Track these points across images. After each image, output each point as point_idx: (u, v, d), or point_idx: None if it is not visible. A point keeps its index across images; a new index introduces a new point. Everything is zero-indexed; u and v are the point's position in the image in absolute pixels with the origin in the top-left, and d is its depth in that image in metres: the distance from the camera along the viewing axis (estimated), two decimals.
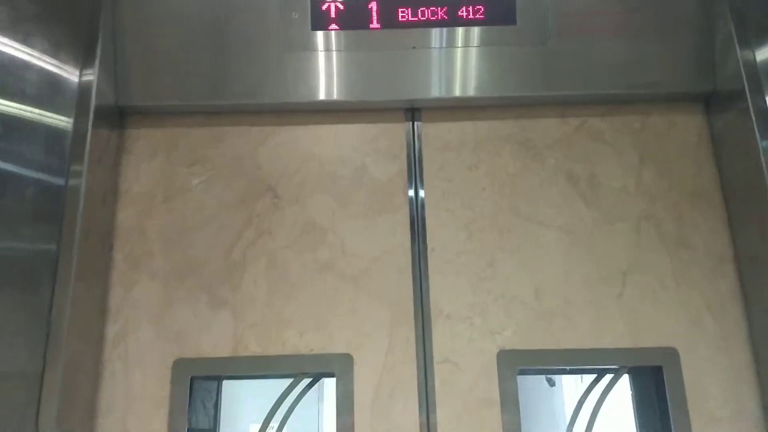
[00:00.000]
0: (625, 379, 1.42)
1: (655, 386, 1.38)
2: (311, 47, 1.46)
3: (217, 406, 1.42)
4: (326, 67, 1.47)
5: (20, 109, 1.26)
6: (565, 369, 1.47)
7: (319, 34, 1.46)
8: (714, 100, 1.48)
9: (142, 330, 1.37)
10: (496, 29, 1.46)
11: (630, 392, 1.45)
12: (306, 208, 1.45)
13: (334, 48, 1.46)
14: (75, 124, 1.33)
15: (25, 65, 1.28)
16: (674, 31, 1.48)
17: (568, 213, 1.45)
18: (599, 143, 1.49)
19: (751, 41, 1.39)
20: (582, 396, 1.38)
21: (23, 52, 1.28)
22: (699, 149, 1.49)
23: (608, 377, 1.38)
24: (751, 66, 1.37)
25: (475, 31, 1.46)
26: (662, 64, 1.47)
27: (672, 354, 1.35)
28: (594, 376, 1.40)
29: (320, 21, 1.45)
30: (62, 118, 1.32)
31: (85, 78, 1.36)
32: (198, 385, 1.38)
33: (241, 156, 1.49)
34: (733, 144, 1.42)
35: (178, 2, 1.48)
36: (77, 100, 1.34)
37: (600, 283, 1.40)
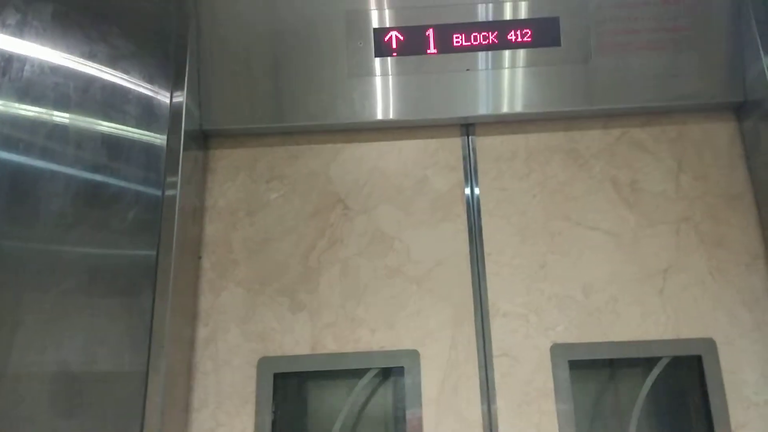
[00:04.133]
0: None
1: (696, 374, 1.47)
2: (375, 72, 1.58)
3: (302, 401, 1.54)
4: (388, 90, 1.59)
5: (122, 129, 1.39)
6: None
7: (382, 60, 1.58)
8: (744, 109, 1.58)
9: (230, 332, 1.49)
10: (542, 51, 1.57)
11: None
12: (374, 218, 1.57)
13: (395, 72, 1.58)
14: (168, 142, 1.45)
15: (126, 92, 1.41)
16: (706, 45, 1.57)
17: (613, 217, 1.55)
18: (640, 151, 1.59)
19: None
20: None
21: (123, 80, 1.41)
22: (731, 155, 1.58)
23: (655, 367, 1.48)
24: None
25: (523, 53, 1.57)
26: (696, 77, 1.56)
27: (710, 344, 1.45)
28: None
29: (382, 48, 1.57)
30: (157, 136, 1.44)
31: (176, 100, 1.48)
32: (283, 382, 1.50)
33: (314, 172, 1.61)
34: (761, 147, 1.52)
35: (254, 35, 1.60)
36: (169, 121, 1.46)
37: (643, 281, 1.50)
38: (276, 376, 1.47)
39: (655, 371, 1.47)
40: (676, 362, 1.50)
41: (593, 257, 1.53)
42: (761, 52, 1.50)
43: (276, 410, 1.46)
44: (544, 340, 1.47)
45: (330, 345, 1.49)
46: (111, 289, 1.32)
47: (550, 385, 1.44)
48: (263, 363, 1.47)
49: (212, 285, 1.53)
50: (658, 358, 1.48)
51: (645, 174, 1.58)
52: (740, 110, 1.60)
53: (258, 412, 1.44)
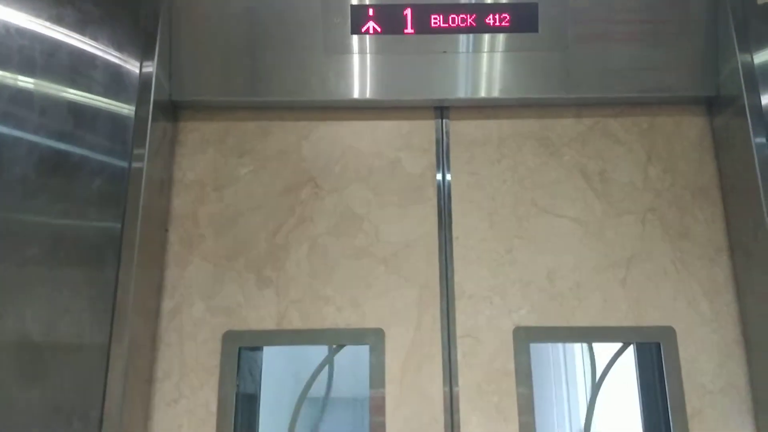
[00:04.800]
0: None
1: (655, 361, 1.50)
2: (351, 50, 1.56)
3: (260, 374, 1.55)
4: (364, 69, 1.57)
5: (89, 98, 1.35)
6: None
7: (358, 38, 1.56)
8: (715, 103, 1.59)
9: (195, 306, 1.49)
10: (520, 36, 1.56)
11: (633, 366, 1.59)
12: (344, 198, 1.57)
13: (371, 51, 1.56)
14: (136, 112, 1.42)
15: (93, 58, 1.37)
16: (681, 39, 1.58)
17: (580, 205, 1.56)
18: (611, 141, 1.60)
19: (750, 46, 1.50)
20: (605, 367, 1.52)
21: (91, 46, 1.37)
22: (701, 148, 1.60)
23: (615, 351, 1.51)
24: (749, 69, 1.48)
25: (501, 37, 1.56)
26: (670, 70, 1.57)
27: (670, 332, 1.48)
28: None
29: (359, 26, 1.55)
30: (125, 106, 1.41)
31: (145, 70, 1.45)
32: (244, 355, 1.50)
33: (286, 149, 1.59)
34: (731, 143, 1.53)
35: (228, 7, 1.57)
36: (138, 91, 1.43)
37: (607, 268, 1.52)
38: (241, 350, 1.47)
39: (615, 357, 1.50)
40: (636, 349, 1.53)
41: (559, 244, 1.54)
42: (736, 49, 1.51)
43: (240, 383, 1.46)
44: (507, 323, 1.49)
45: (296, 321, 1.49)
46: (74, 259, 1.30)
47: (511, 366, 1.46)
48: (228, 337, 1.47)
49: (178, 258, 1.52)
50: (618, 345, 1.50)
51: (614, 164, 1.59)
52: (712, 105, 1.61)
53: (222, 385, 1.44)
